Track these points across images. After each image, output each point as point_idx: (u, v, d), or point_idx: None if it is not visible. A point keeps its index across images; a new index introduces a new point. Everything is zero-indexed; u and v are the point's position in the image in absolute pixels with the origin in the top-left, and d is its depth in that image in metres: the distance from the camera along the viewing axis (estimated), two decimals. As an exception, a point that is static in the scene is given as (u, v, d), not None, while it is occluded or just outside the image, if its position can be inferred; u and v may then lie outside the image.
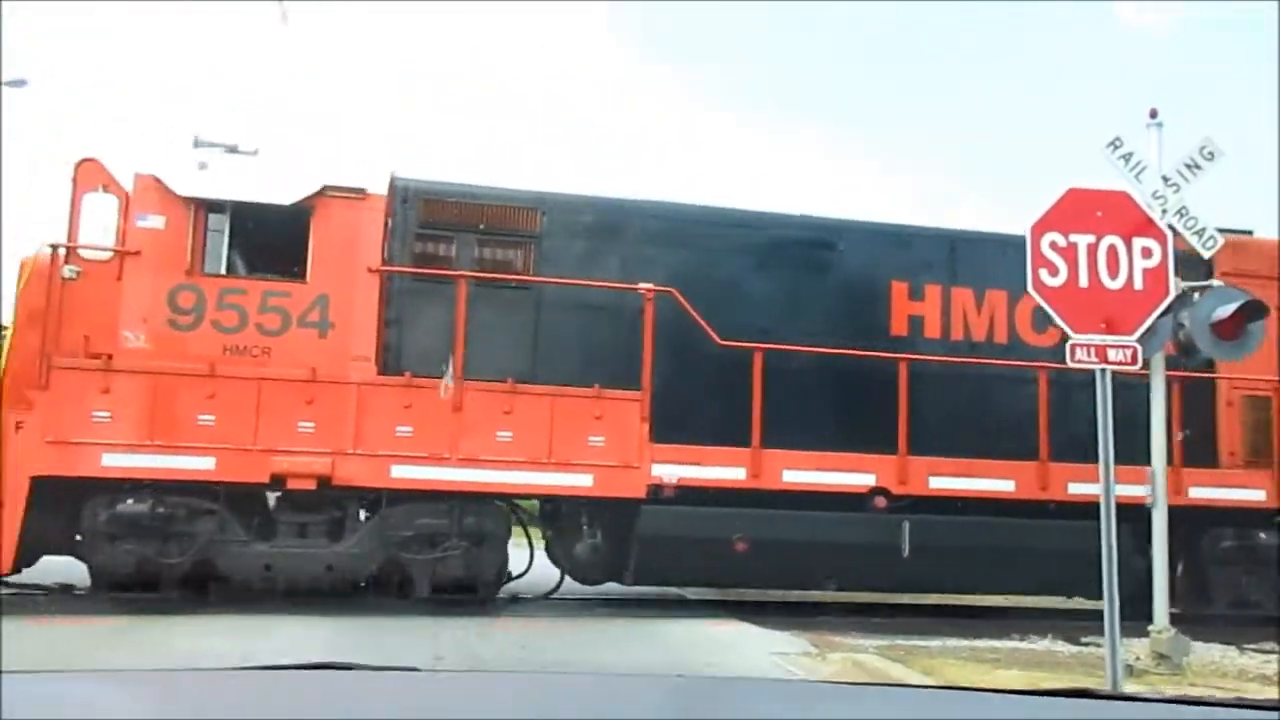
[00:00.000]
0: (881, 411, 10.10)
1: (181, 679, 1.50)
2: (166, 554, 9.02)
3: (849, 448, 10.04)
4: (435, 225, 9.98)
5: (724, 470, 9.82)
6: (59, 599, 9.59)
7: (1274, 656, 9.11)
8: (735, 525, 9.69)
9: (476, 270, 9.90)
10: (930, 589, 11.48)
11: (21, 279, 9.13)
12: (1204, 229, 7.74)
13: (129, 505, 8.94)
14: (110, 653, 7.38)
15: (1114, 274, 6.73)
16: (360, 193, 9.74)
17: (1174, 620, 8.04)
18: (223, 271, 9.49)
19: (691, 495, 9.74)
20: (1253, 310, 7.61)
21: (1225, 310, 7.63)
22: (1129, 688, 6.60)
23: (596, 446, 9.66)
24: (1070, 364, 6.68)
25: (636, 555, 9.72)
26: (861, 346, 10.26)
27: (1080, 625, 9.92)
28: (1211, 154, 7.75)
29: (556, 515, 10.32)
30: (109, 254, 9.22)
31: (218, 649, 7.31)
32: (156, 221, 9.24)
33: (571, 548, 10.16)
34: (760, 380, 9.88)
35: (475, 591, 9.68)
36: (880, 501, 10.03)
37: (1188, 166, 7.74)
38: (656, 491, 9.67)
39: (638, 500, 9.67)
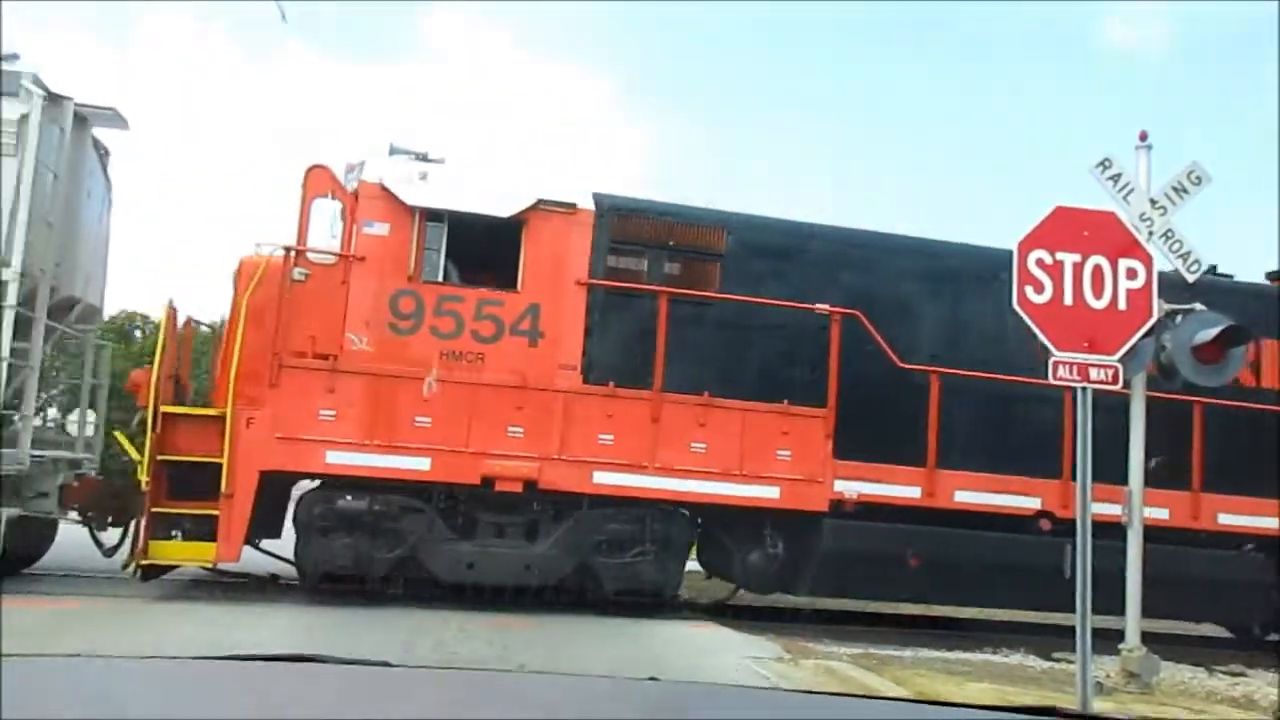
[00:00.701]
0: (1047, 437, 10.30)
1: (148, 666, 1.51)
2: (377, 549, 9.38)
3: (1016, 471, 10.31)
4: (628, 240, 10.31)
5: (900, 488, 10.14)
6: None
7: (1242, 679, 9.19)
8: (910, 541, 10.00)
9: (664, 285, 10.18)
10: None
11: (251, 279, 9.32)
12: (1189, 253, 7.80)
13: (348, 502, 9.35)
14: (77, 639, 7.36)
15: (1098, 294, 6.78)
16: (571, 208, 10.04)
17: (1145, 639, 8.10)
18: (440, 279, 9.72)
19: (867, 511, 10.03)
20: (1234, 336, 7.67)
21: (1207, 334, 7.68)
22: (1098, 705, 6.65)
23: (783, 460, 10.02)
24: (1052, 381, 6.72)
25: (816, 567, 10.06)
26: (1023, 374, 10.07)
27: (1053, 641, 10.00)
28: (1199, 178, 7.81)
29: (732, 525, 10.38)
30: (335, 259, 9.53)
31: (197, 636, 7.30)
32: (381, 229, 9.55)
33: (748, 557, 10.33)
34: (936, 403, 10.20)
35: (660, 595, 10.04)
36: (1045, 524, 10.27)
37: (1175, 190, 7.81)
38: (837, 506, 9.98)
39: (819, 514, 9.94)
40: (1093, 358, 6.68)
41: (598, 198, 10.17)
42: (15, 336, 9.09)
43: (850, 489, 9.98)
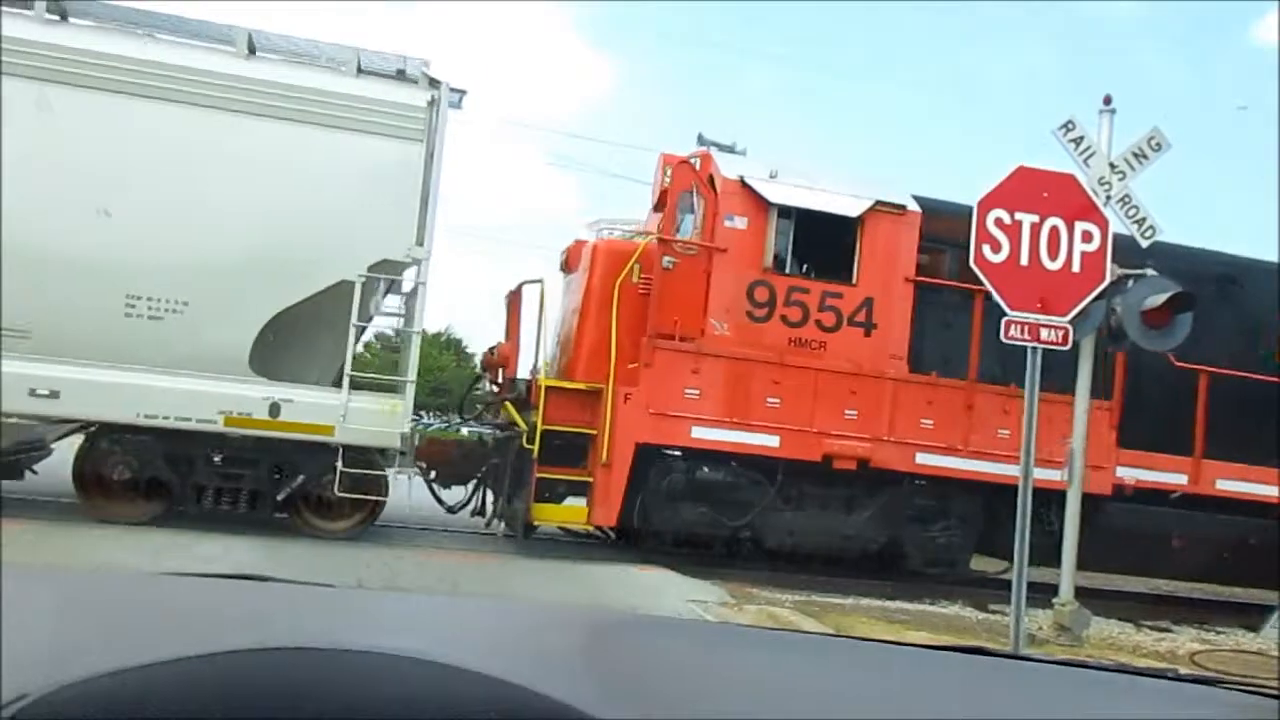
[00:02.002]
0: None
1: (89, 581, 1.50)
2: (726, 517, 10.23)
3: (1270, 462, 10.85)
4: (933, 239, 10.80)
5: (1169, 475, 10.91)
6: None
7: (1168, 634, 9.52)
8: (1178, 524, 10.78)
9: (958, 281, 10.53)
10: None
11: (622, 265, 10.10)
12: (1144, 218, 7.90)
13: (705, 473, 10.15)
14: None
15: (1054, 255, 6.88)
16: (901, 209, 10.69)
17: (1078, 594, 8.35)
18: (788, 271, 10.41)
19: (1140, 495, 10.79)
20: (1182, 301, 7.81)
21: (1156, 299, 7.82)
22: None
23: None
24: (1004, 339, 6.82)
25: (1100, 546, 10.38)
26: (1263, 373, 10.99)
27: (989, 593, 10.27)
28: (1159, 145, 7.89)
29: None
30: (697, 249, 10.15)
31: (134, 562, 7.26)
32: (740, 223, 10.24)
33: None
34: (1205, 399, 10.88)
35: (954, 567, 10.82)
36: None
37: (1135, 155, 7.88)
38: (1119, 490, 10.69)
39: (1103, 497, 10.39)
40: (1044, 318, 6.79)
41: (918, 199, 10.86)
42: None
43: (1130, 475, 10.77)
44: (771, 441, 10.12)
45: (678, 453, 10.15)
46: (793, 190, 10.34)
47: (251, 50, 9.48)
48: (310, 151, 9.29)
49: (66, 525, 8.78)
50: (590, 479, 9.84)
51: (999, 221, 6.81)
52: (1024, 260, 6.82)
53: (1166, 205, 11.09)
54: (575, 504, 10.27)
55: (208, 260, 8.99)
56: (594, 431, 9.82)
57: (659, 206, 10.99)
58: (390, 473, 10.01)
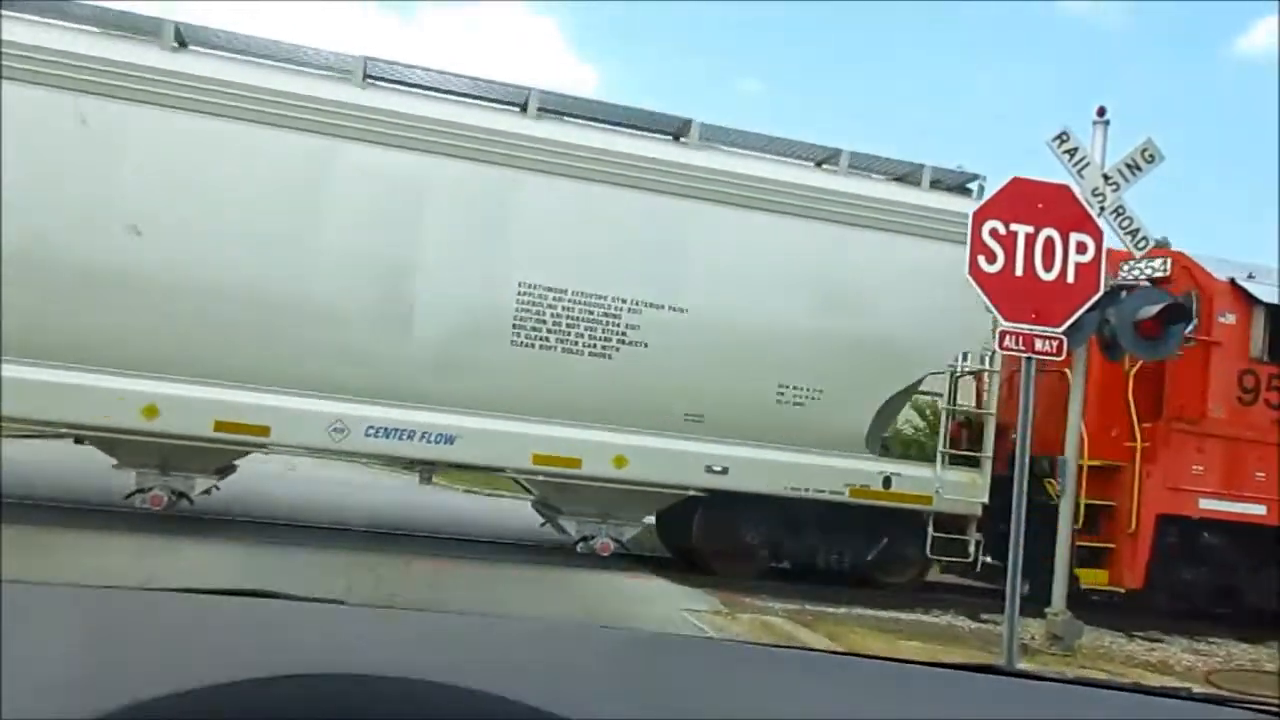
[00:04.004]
0: None
1: (95, 596, 1.47)
2: (1218, 579, 10.99)
3: None
4: None
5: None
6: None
7: (1159, 645, 9.54)
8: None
9: None
10: None
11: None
12: (1138, 229, 7.93)
13: (1206, 538, 10.93)
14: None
15: (1048, 266, 6.87)
16: None
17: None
18: (1266, 359, 11.09)
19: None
20: (1175, 312, 7.83)
21: (1149, 310, 7.83)
22: (1023, 665, 6.85)
23: None
24: (998, 349, 6.82)
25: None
26: None
27: (980, 603, 10.27)
28: (1152, 156, 7.91)
29: None
30: (1195, 342, 10.73)
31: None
32: (1230, 319, 10.99)
33: None
34: None
35: None
36: None
37: (1128, 167, 7.90)
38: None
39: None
40: (1038, 329, 6.79)
41: None
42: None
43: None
44: (1259, 510, 10.94)
45: (1186, 521, 10.99)
46: (1266, 289, 11.19)
47: (820, 164, 10.92)
48: (917, 259, 10.44)
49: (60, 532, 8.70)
50: (1112, 545, 10.81)
51: (994, 232, 6.80)
52: (1019, 271, 6.81)
53: (1166, 213, 11.29)
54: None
55: (845, 354, 10.32)
56: (1109, 503, 10.81)
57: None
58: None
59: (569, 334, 9.77)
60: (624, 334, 9.84)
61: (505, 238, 9.75)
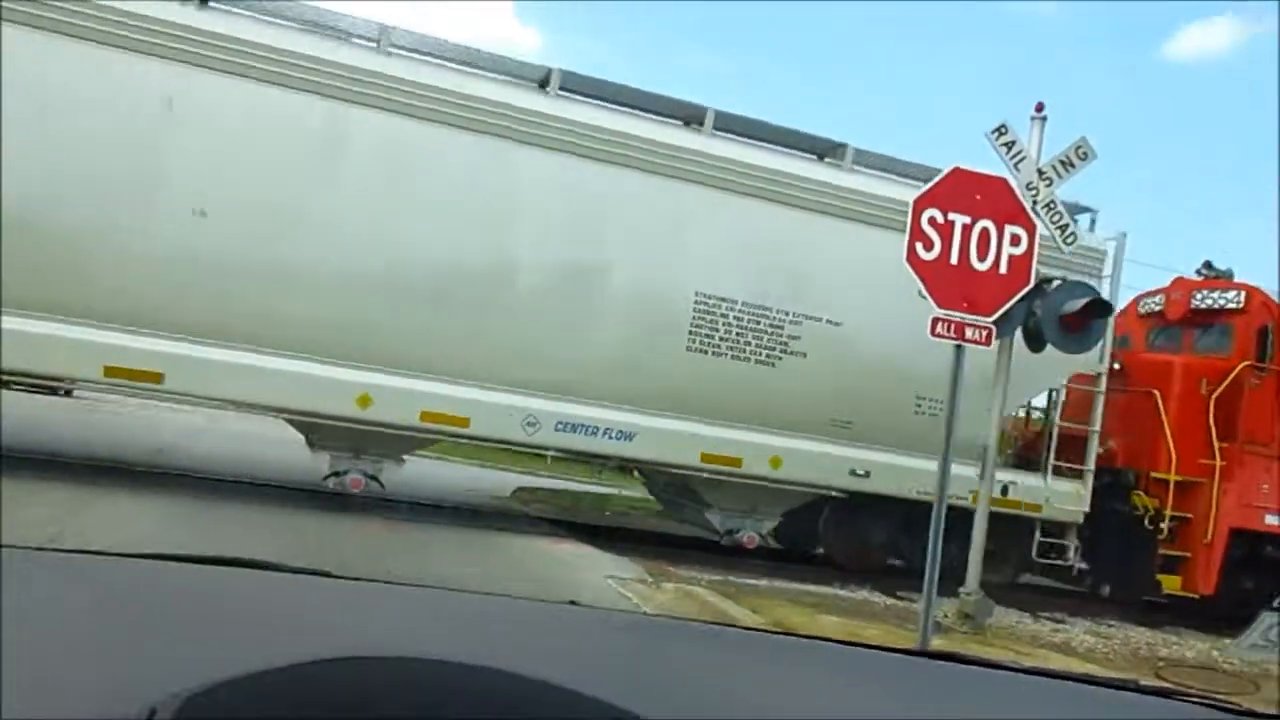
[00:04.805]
0: None
1: (80, 561, 1.44)
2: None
3: None
4: None
5: None
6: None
7: (1062, 626, 9.93)
8: None
9: None
10: None
11: (1218, 382, 11.66)
12: (1066, 224, 8.16)
13: (1269, 550, 11.76)
14: None
15: (983, 256, 7.04)
16: None
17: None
18: None
19: None
20: (1099, 308, 8.08)
21: (1074, 304, 8.08)
22: (935, 643, 7.08)
23: None
24: (930, 336, 6.98)
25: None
26: None
27: (894, 581, 10.56)
28: (1085, 154, 8.13)
29: None
30: (1269, 371, 11.84)
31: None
32: None
33: None
34: None
35: None
36: None
37: (1062, 163, 8.11)
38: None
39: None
40: (969, 317, 6.96)
41: None
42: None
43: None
44: None
45: (1253, 535, 11.80)
46: None
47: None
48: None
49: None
50: (1188, 554, 11.57)
51: (933, 220, 6.93)
52: (954, 259, 6.97)
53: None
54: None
55: (975, 371, 9.89)
56: (1187, 515, 11.53)
57: (1194, 321, 12.61)
58: None
59: (738, 342, 10.40)
60: (786, 344, 10.53)
61: (684, 250, 10.32)
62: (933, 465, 10.36)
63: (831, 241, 10.61)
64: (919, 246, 6.93)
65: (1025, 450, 12.29)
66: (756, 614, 7.77)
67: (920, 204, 6.97)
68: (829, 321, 10.53)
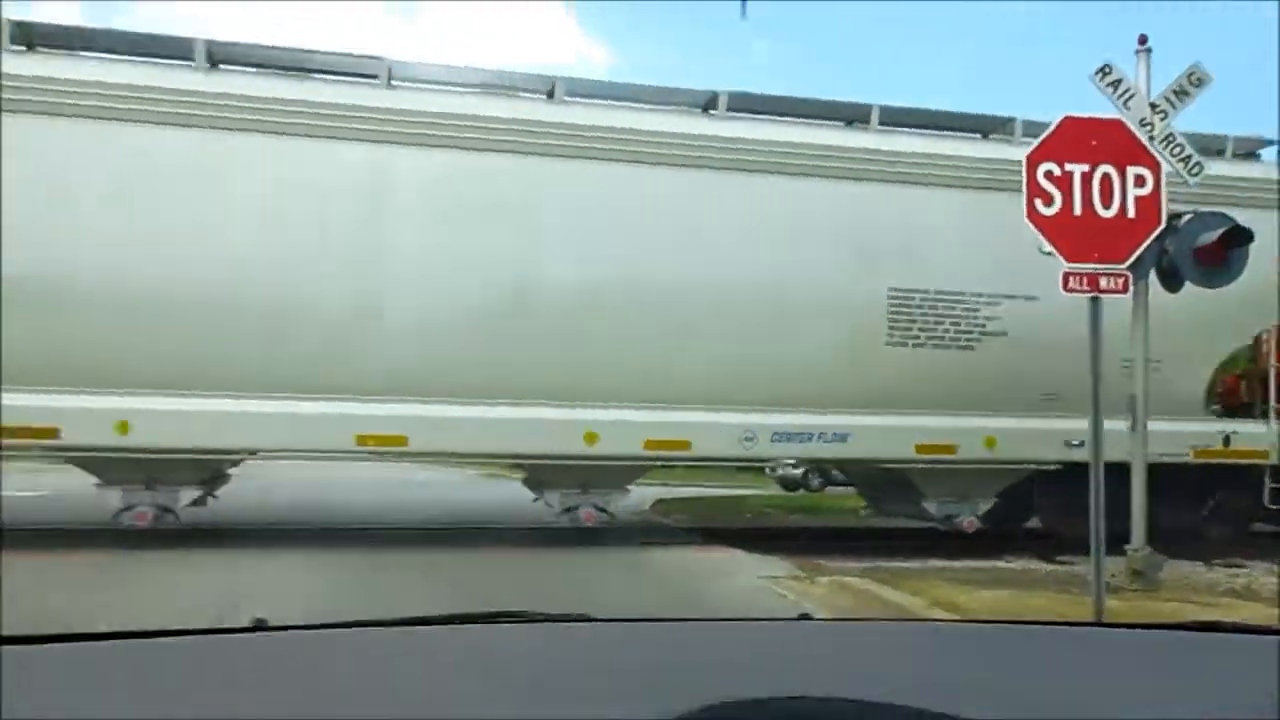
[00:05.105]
0: None
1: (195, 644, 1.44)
2: None
3: None
4: None
5: None
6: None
7: (1241, 571, 9.48)
8: None
9: None
10: None
11: None
12: (1190, 155, 7.80)
13: None
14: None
15: (1107, 202, 6.80)
16: None
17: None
18: None
19: None
20: (1236, 236, 7.71)
21: (1209, 236, 7.72)
22: (1110, 604, 6.83)
23: None
24: (1063, 291, 6.76)
25: None
26: None
27: (1053, 545, 10.24)
28: (1200, 80, 7.77)
29: None
30: None
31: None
32: None
33: None
34: None
35: None
36: None
37: (1176, 94, 7.76)
38: None
39: None
40: (1102, 267, 6.72)
41: None
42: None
43: None
44: None
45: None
46: None
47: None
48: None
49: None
50: None
51: (1049, 174, 6.74)
52: (1077, 210, 6.75)
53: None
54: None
55: (1181, 327, 10.00)
56: None
57: None
58: None
59: (935, 330, 10.59)
60: (984, 325, 10.65)
61: (875, 249, 10.49)
62: (1154, 426, 9.94)
63: (1016, 220, 10.39)
64: (1038, 202, 6.73)
65: (1228, 396, 11.78)
66: (917, 596, 7.62)
67: (1033, 159, 6.78)
68: (1025, 298, 10.47)
